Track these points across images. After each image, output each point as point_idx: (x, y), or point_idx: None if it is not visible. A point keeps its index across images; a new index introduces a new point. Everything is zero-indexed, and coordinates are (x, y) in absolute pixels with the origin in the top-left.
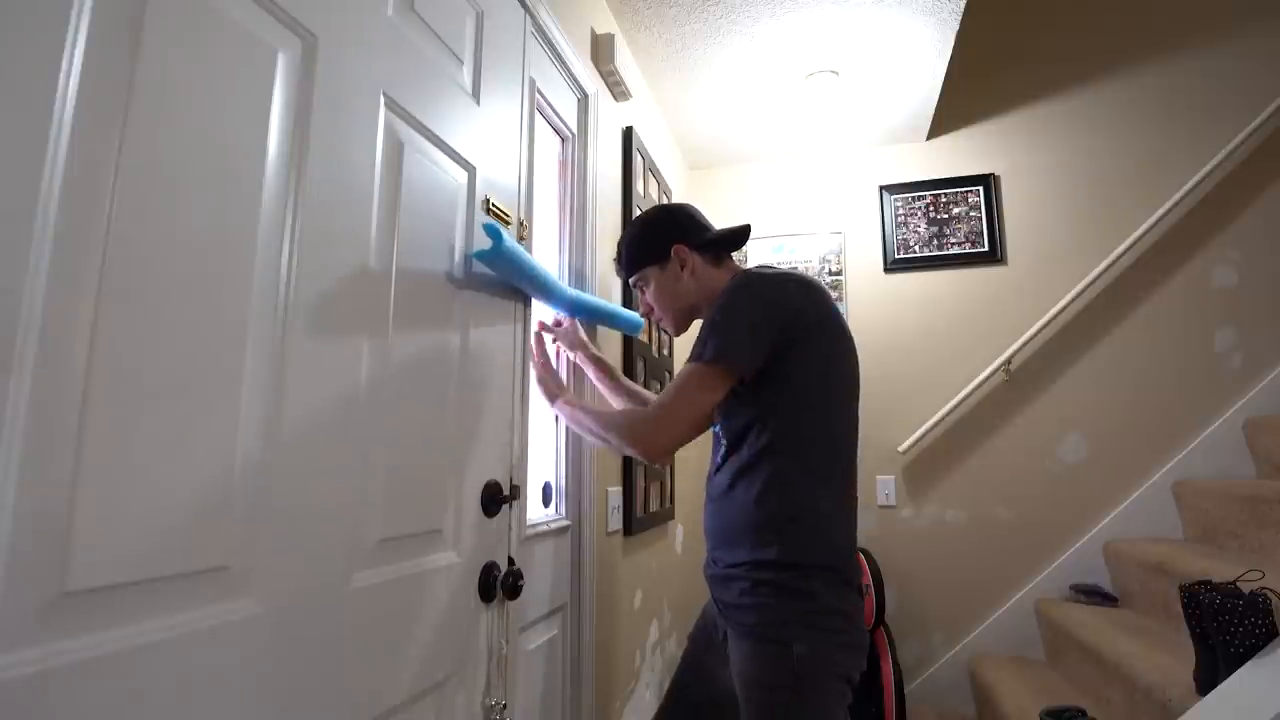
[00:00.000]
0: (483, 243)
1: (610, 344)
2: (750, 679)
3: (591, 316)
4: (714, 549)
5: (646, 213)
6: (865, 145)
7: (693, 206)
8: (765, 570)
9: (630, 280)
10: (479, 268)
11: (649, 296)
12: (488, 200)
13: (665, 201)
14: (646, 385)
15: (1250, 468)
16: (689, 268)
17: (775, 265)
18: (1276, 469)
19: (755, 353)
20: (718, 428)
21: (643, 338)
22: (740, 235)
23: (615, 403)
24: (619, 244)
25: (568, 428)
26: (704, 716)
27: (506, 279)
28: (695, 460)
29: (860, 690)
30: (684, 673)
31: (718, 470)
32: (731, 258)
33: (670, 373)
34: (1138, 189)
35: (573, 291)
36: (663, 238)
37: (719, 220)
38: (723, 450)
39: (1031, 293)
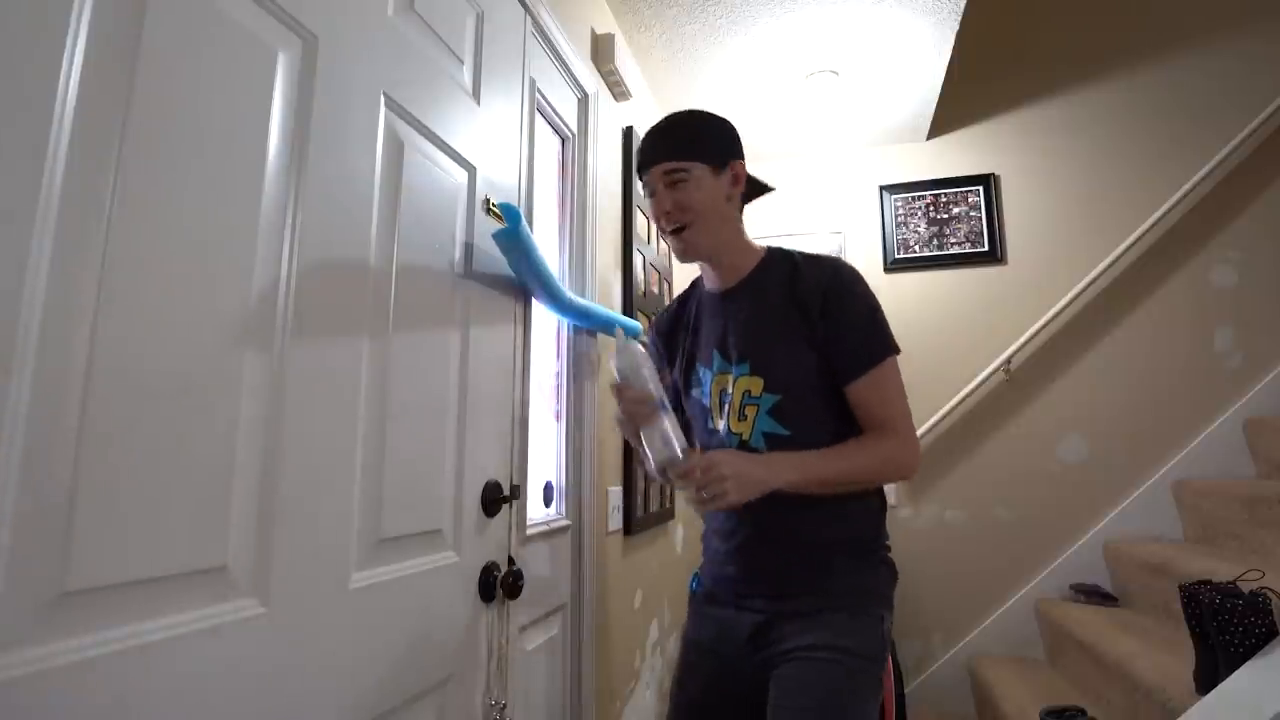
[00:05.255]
0: (488, 241)
1: (608, 347)
2: (846, 647)
3: (590, 323)
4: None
5: (717, 115)
6: (865, 145)
7: None
8: (860, 546)
9: (671, 164)
10: (479, 267)
11: (685, 194)
12: (488, 200)
13: None
14: None
15: (1250, 468)
16: (731, 198)
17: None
18: (1276, 469)
19: None
20: (766, 437)
21: (642, 339)
22: (763, 187)
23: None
24: (674, 120)
25: (563, 434)
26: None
27: (514, 267)
28: None
29: None
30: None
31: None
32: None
33: None
34: (1137, 188)
35: (571, 295)
36: (729, 147)
37: None
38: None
39: (1031, 292)
